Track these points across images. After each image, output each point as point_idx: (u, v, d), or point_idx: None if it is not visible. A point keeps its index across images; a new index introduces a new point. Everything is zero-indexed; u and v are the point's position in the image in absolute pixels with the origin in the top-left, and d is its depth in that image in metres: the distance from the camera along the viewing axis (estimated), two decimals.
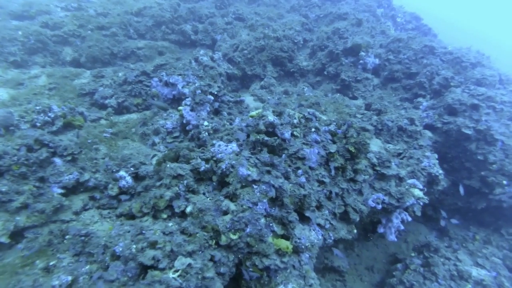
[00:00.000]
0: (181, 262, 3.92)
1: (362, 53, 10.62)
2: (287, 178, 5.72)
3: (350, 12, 13.83)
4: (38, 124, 8.04)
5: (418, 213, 7.40)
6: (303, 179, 5.72)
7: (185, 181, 5.30)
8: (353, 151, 6.25)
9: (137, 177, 6.74)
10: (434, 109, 8.66)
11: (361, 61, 10.69)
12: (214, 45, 13.97)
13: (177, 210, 5.11)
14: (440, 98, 8.76)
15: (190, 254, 4.12)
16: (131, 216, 5.70)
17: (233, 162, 5.41)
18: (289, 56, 11.76)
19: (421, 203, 6.85)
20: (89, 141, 7.73)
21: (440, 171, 7.51)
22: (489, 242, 8.34)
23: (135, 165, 6.77)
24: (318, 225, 5.76)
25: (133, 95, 9.95)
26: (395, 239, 6.90)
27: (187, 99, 8.05)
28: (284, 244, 4.87)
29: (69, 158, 6.42)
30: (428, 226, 9.56)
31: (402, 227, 6.90)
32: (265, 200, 5.10)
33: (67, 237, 5.36)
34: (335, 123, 6.84)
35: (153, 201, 5.06)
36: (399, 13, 15.48)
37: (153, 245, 4.14)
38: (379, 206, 6.46)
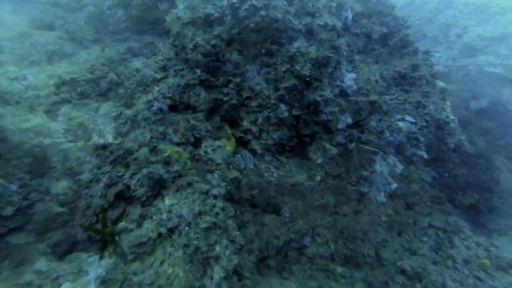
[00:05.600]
0: None
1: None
2: None
3: None
4: None
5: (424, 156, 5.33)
6: None
7: None
8: None
9: None
10: (447, 58, 6.80)
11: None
12: None
13: None
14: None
15: None
16: None
17: None
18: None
19: (421, 147, 4.89)
20: None
21: (452, 117, 5.51)
22: None
23: None
24: (253, 152, 4.21)
25: None
26: (384, 200, 4.89)
27: None
28: (173, 150, 3.45)
29: None
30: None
31: (394, 185, 4.91)
32: None
33: None
34: None
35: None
36: None
37: None
38: (352, 145, 4.69)
